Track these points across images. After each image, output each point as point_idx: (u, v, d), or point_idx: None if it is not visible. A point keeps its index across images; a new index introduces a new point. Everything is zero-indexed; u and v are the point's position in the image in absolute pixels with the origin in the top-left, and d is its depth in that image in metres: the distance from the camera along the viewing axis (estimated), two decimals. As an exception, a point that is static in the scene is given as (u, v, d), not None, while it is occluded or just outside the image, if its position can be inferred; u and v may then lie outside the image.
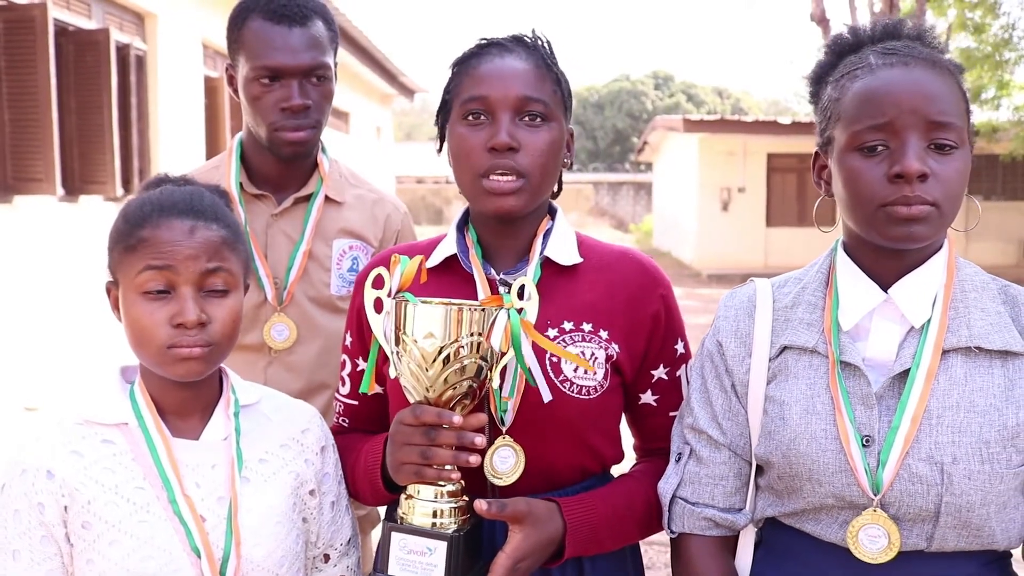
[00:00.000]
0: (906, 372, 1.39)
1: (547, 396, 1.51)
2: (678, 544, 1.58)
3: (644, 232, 28.03)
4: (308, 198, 2.19)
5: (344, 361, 1.76)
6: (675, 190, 22.44)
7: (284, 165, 2.16)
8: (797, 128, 18.15)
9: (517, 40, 1.61)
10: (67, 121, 6.99)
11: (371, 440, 1.62)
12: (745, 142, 19.30)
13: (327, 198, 2.20)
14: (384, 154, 19.90)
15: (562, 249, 1.63)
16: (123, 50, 7.78)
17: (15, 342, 6.23)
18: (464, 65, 1.61)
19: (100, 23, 7.60)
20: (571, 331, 1.59)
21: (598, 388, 1.58)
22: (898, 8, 12.48)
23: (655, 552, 4.34)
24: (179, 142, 8.69)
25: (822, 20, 13.71)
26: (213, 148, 9.24)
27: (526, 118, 1.54)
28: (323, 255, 2.18)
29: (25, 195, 6.54)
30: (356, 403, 1.74)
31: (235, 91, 2.15)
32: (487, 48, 1.61)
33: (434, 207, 30.60)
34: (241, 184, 2.16)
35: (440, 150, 1.66)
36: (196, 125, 9.17)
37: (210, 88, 9.41)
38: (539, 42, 1.62)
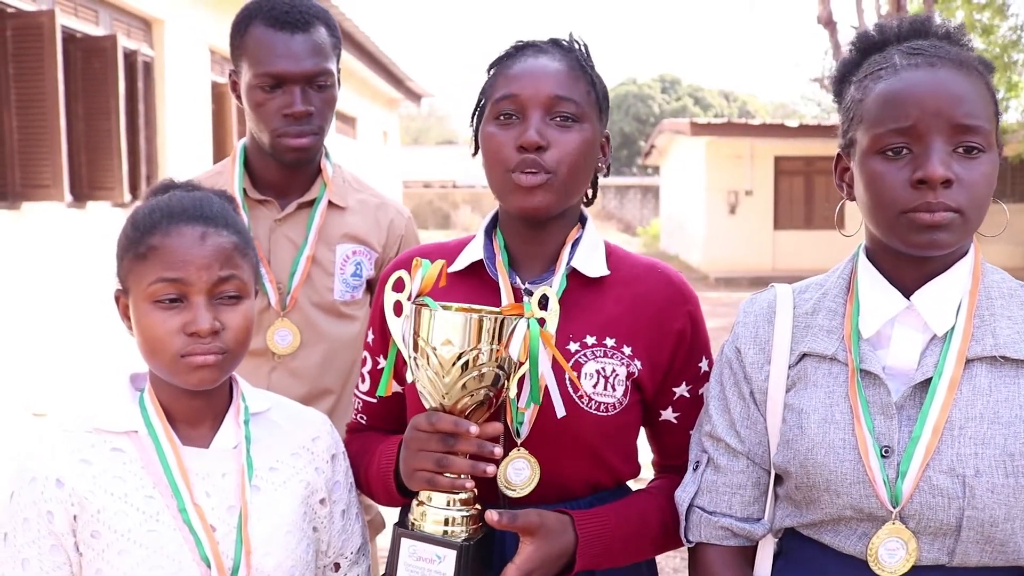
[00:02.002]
0: (928, 381, 1.35)
1: (561, 412, 1.48)
2: (695, 553, 1.55)
3: (651, 236, 27.98)
4: (311, 203, 2.19)
5: (365, 358, 1.74)
6: (682, 193, 22.41)
7: (287, 171, 2.17)
8: (804, 131, 18.12)
9: (553, 42, 1.60)
10: (75, 127, 7.01)
11: (386, 440, 1.61)
12: (752, 145, 19.26)
13: (330, 203, 2.20)
14: (391, 159, 19.92)
15: (590, 260, 1.60)
16: (130, 56, 7.80)
17: (24, 348, 6.23)
18: (499, 67, 1.60)
19: (108, 29, 7.62)
20: (593, 346, 1.56)
21: (617, 405, 1.55)
22: (905, 10, 12.43)
23: (664, 556, 4.32)
24: (186, 148, 8.70)
25: (829, 22, 13.69)
26: (220, 153, 9.25)
27: (557, 118, 1.52)
28: (326, 260, 2.18)
29: (33, 201, 6.55)
30: (375, 401, 1.72)
31: (238, 97, 2.16)
32: (522, 49, 1.59)
33: (441, 211, 30.60)
34: (244, 190, 2.17)
35: (475, 153, 1.64)
36: (203, 131, 9.19)
37: (217, 94, 9.42)
38: (575, 44, 1.60)
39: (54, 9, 6.51)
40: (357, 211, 2.24)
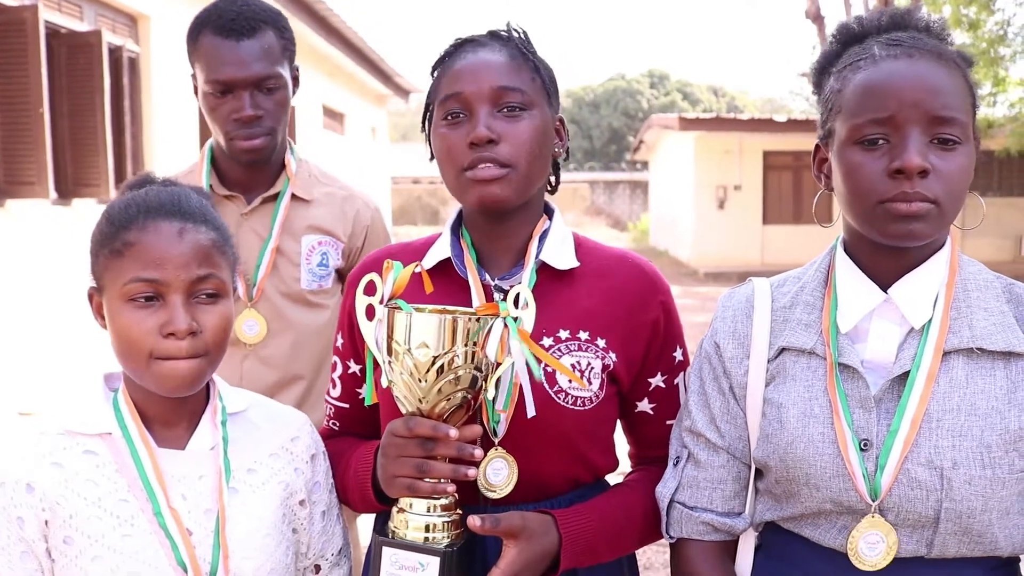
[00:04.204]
0: (906, 374, 1.35)
1: (531, 412, 1.44)
2: (676, 549, 1.55)
3: (641, 231, 28.01)
4: (276, 197, 2.29)
5: (335, 363, 1.71)
6: (671, 188, 22.42)
7: (250, 168, 2.27)
8: (793, 126, 18.13)
9: (492, 35, 1.59)
10: (59, 124, 6.94)
11: (361, 447, 1.58)
12: (741, 140, 19.28)
13: (294, 196, 2.30)
14: (379, 155, 19.84)
15: (559, 253, 1.58)
16: (116, 52, 7.73)
17: (9, 346, 6.19)
18: (442, 67, 1.58)
19: (92, 25, 7.55)
20: (567, 340, 1.54)
21: (593, 399, 1.53)
22: (892, 5, 12.44)
23: (653, 552, 4.31)
24: (173, 144, 8.65)
25: (817, 17, 13.71)
26: (207, 150, 9.18)
27: (504, 109, 1.50)
28: (292, 251, 2.28)
29: (18, 198, 6.50)
30: (347, 406, 1.70)
31: (198, 98, 2.25)
32: (461, 46, 1.58)
33: (430, 207, 30.56)
34: (212, 186, 2.26)
35: (432, 158, 1.62)
36: (190, 127, 9.13)
37: (204, 90, 9.35)
38: (514, 33, 1.58)
39: (37, 4, 6.44)
40: (323, 203, 2.34)
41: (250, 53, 2.12)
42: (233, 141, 2.17)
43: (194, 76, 2.24)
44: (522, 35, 1.59)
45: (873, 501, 1.33)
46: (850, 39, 1.42)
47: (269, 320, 2.23)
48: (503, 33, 1.58)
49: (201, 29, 2.16)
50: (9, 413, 6.01)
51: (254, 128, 2.16)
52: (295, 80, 2.25)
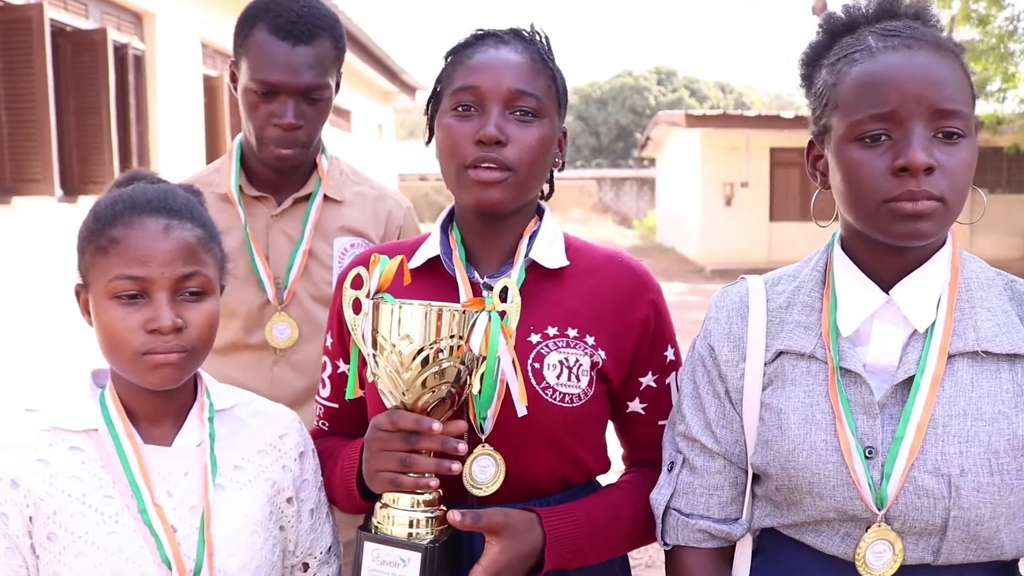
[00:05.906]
0: (910, 379, 1.30)
1: (521, 411, 1.42)
2: (672, 556, 1.52)
3: (648, 228, 27.95)
4: (307, 198, 2.20)
5: (324, 363, 1.71)
6: (678, 185, 22.37)
7: (280, 170, 2.17)
8: (800, 122, 18.05)
9: (514, 33, 1.56)
10: (65, 122, 6.96)
11: (348, 445, 1.57)
12: (748, 137, 19.22)
13: (326, 197, 2.21)
14: (386, 152, 19.86)
15: (548, 252, 1.57)
16: (121, 50, 7.75)
17: (15, 343, 6.21)
18: (458, 55, 1.55)
19: (98, 23, 7.56)
20: (555, 336, 1.53)
21: (582, 396, 1.52)
22: (900, -1, 12.33)
23: (656, 550, 4.29)
24: (178, 142, 8.66)
25: (823, 12, 13.61)
26: (213, 148, 9.20)
27: (517, 112, 1.49)
28: (324, 253, 2.19)
29: (24, 196, 6.52)
30: (336, 406, 1.69)
31: (236, 88, 2.15)
32: (482, 39, 1.55)
33: (437, 204, 30.58)
34: (241, 187, 2.17)
35: (429, 142, 1.61)
36: (195, 125, 9.14)
37: (209, 87, 9.37)
38: (537, 36, 1.57)
39: (42, 2, 6.46)
40: (355, 204, 2.25)
41: (303, 60, 2.01)
42: (266, 144, 2.07)
43: (235, 63, 2.12)
44: (544, 40, 1.57)
45: (879, 510, 1.29)
46: (839, 29, 1.37)
47: (300, 324, 2.15)
48: (526, 34, 1.56)
49: (255, 23, 2.04)
50: (15, 409, 6.03)
51: (291, 134, 2.05)
52: (336, 85, 2.16)
